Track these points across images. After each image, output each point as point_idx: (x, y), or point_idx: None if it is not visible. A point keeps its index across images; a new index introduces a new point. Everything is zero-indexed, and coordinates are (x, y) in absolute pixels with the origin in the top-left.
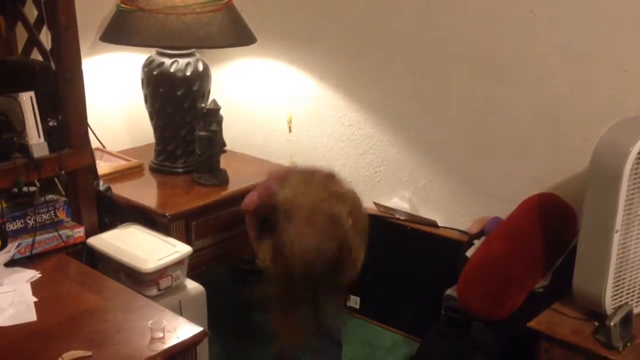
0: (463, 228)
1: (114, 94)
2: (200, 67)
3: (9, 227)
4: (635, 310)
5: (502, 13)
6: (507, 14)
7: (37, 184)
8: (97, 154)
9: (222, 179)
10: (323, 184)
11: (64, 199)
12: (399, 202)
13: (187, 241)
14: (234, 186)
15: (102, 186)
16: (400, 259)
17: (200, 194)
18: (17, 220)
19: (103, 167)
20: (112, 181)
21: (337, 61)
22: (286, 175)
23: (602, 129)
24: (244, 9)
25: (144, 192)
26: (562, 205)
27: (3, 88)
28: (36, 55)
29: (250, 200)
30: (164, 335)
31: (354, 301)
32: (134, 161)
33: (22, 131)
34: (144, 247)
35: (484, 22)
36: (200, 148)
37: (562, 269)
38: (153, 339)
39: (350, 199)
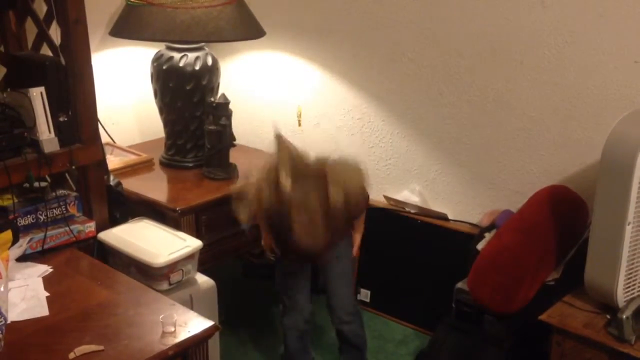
0: (474, 221)
1: (123, 89)
2: (210, 61)
3: (20, 222)
4: None
5: (513, 4)
6: (517, 5)
7: (48, 179)
8: (107, 148)
9: (231, 173)
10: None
11: (74, 193)
12: (409, 195)
13: (198, 235)
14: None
15: (112, 181)
16: (410, 252)
17: (210, 188)
18: (29, 215)
19: (113, 161)
20: (123, 176)
21: (347, 54)
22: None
23: (614, 121)
24: (252, 3)
25: (154, 187)
26: (573, 197)
27: (13, 83)
28: (46, 51)
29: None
30: (175, 330)
31: (365, 294)
32: (144, 156)
33: (32, 127)
34: (155, 242)
35: (494, 14)
36: (210, 142)
37: (574, 261)
38: (164, 333)
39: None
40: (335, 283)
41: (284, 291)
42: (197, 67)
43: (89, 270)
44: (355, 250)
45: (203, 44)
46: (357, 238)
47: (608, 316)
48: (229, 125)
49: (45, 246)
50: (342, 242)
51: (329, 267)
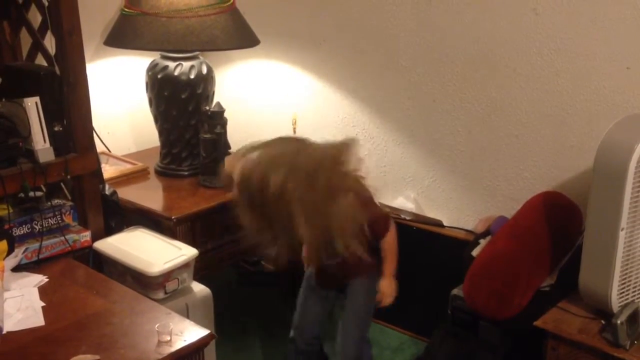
0: (469, 227)
1: (118, 98)
2: (204, 69)
3: (15, 232)
4: None
5: (505, 12)
6: (509, 13)
7: (44, 189)
8: (102, 157)
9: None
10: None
11: (70, 203)
12: (404, 202)
13: (193, 244)
14: None
15: (107, 190)
16: (406, 259)
17: (205, 197)
18: (24, 225)
19: (108, 171)
20: (118, 185)
21: (341, 62)
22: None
23: (607, 126)
24: (247, 11)
25: (149, 196)
26: (567, 203)
27: (8, 93)
28: (41, 61)
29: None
30: (170, 338)
31: None
32: (140, 164)
33: (27, 136)
34: (150, 251)
35: (486, 22)
36: (205, 151)
37: (568, 267)
38: (160, 342)
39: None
40: (342, 323)
41: (298, 304)
42: (192, 76)
43: (84, 280)
44: (380, 296)
45: (198, 52)
46: (384, 284)
47: (602, 321)
48: (224, 134)
49: (41, 256)
50: (357, 280)
51: (345, 304)
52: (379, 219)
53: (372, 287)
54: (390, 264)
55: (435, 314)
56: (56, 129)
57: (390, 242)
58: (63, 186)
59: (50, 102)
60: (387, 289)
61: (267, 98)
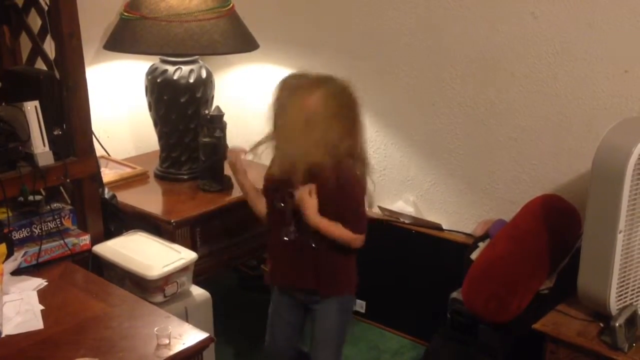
0: (468, 231)
1: (118, 102)
2: (204, 73)
3: (15, 236)
4: None
5: (503, 16)
6: (508, 16)
7: (43, 193)
8: (102, 161)
9: (226, 185)
10: None
11: (69, 207)
12: (404, 205)
13: (192, 247)
14: (238, 192)
15: (107, 194)
16: (405, 262)
17: (204, 200)
18: (23, 229)
19: (108, 174)
20: (117, 189)
21: (340, 66)
22: None
23: (605, 129)
24: (246, 16)
25: (149, 199)
26: (565, 206)
27: (8, 97)
28: (40, 65)
29: None
30: (169, 342)
31: (360, 305)
32: (139, 168)
33: (27, 140)
34: (150, 254)
35: (485, 25)
36: (205, 154)
37: (567, 270)
38: (159, 346)
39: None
40: (313, 344)
41: (267, 324)
42: (191, 80)
43: (83, 283)
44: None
45: (197, 57)
46: (306, 196)
47: (601, 324)
48: (223, 138)
49: (40, 259)
50: (326, 301)
51: (314, 323)
52: (357, 216)
53: (344, 307)
54: (331, 227)
55: (435, 318)
56: (56, 132)
57: (348, 239)
58: (62, 190)
59: (50, 106)
60: (305, 196)
61: (266, 102)
